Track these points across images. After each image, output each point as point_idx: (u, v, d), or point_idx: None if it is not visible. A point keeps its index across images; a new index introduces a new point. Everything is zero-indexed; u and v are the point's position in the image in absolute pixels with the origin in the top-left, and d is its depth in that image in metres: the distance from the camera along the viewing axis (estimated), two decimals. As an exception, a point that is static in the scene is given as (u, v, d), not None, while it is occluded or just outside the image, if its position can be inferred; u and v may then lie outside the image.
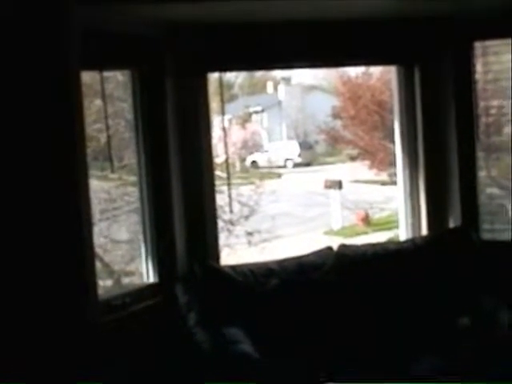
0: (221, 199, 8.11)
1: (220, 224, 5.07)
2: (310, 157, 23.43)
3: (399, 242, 4.95)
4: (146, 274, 4.31)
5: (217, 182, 4.63)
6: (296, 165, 22.72)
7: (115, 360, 3.65)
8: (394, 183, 5.68)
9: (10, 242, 3.33)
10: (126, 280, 4.43)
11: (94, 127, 4.18)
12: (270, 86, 28.96)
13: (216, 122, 9.08)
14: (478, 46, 4.69)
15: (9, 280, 3.30)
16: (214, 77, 4.79)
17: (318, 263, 4.37)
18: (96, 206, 4.02)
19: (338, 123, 16.73)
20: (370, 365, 3.90)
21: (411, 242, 4.72)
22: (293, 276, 4.26)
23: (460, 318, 4.15)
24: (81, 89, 3.57)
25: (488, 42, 4.68)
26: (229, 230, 11.03)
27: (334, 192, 14.84)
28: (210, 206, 4.53)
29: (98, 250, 4.00)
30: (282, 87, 27.24)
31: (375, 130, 14.66)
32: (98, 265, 3.99)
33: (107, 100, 4.14)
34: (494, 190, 4.91)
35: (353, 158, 17.68)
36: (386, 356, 3.99)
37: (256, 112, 25.73)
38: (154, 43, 4.18)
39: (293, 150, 23.31)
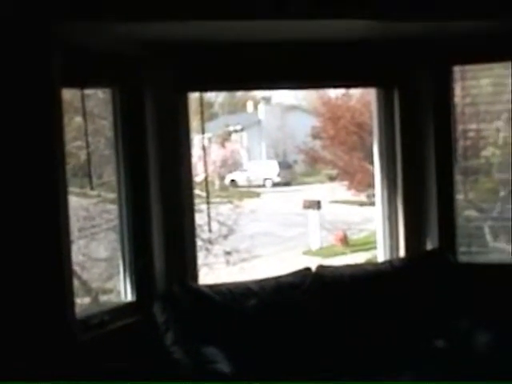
0: (200, 218, 8.09)
1: (198, 243, 5.06)
2: (289, 176, 23.48)
3: (377, 264, 4.97)
4: (124, 292, 4.29)
5: (196, 201, 4.63)
6: (275, 184, 22.74)
7: (93, 378, 3.62)
8: (373, 204, 5.71)
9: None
10: (103, 298, 4.42)
11: (73, 144, 4.18)
12: (250, 105, 29.03)
13: (196, 141, 9.09)
14: (457, 70, 4.74)
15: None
16: (194, 95, 4.79)
17: (296, 284, 4.37)
18: (75, 224, 4.01)
19: (318, 143, 16.80)
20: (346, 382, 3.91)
21: (389, 263, 4.74)
22: (271, 296, 4.25)
23: (435, 340, 4.17)
24: (61, 106, 3.58)
25: (467, 67, 4.74)
26: (207, 249, 11.01)
27: (312, 212, 14.86)
28: (189, 224, 4.52)
29: (76, 268, 3.99)
30: (262, 107, 27.31)
31: (354, 151, 14.72)
32: (76, 282, 3.98)
33: (87, 117, 4.14)
34: (472, 213, 4.95)
35: (332, 179, 17.76)
36: (362, 375, 4.00)
37: (236, 131, 25.74)
38: (135, 62, 4.19)
39: (272, 170, 23.34)
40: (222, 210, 12.74)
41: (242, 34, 4.17)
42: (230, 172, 21.52)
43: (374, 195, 5.32)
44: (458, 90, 4.78)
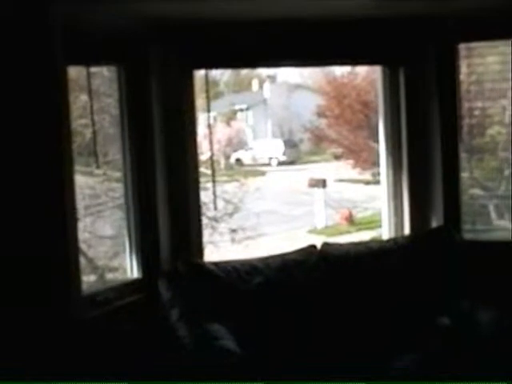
0: (205, 196, 8.10)
1: (204, 221, 5.07)
2: (294, 155, 23.43)
3: (382, 241, 4.98)
4: (130, 269, 4.32)
5: (201, 179, 4.64)
6: (280, 163, 22.69)
7: (98, 355, 3.66)
8: (378, 183, 5.71)
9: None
10: (109, 275, 4.44)
11: (79, 122, 4.18)
12: (255, 83, 28.93)
13: (201, 119, 9.08)
14: (463, 47, 4.73)
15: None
16: (199, 74, 4.78)
17: (301, 261, 4.38)
18: (80, 202, 4.02)
19: (323, 122, 16.76)
20: (351, 361, 3.94)
21: (393, 241, 4.75)
22: (276, 273, 4.27)
23: (439, 318, 4.18)
24: (67, 84, 3.58)
25: (472, 44, 4.72)
26: (213, 227, 11.04)
27: (317, 191, 14.87)
28: (195, 202, 4.54)
29: (82, 246, 4.01)
30: (267, 85, 27.21)
31: (359, 130, 14.71)
32: (82, 260, 4.00)
33: (93, 95, 4.14)
34: (477, 191, 4.95)
35: (337, 157, 17.73)
36: (366, 353, 4.02)
37: (241, 110, 25.71)
38: (140, 39, 4.19)
39: (277, 148, 23.31)
40: (228, 188, 12.75)
41: (248, 12, 4.17)
42: (236, 151, 21.52)
43: (379, 173, 5.32)
44: (463, 68, 4.76)
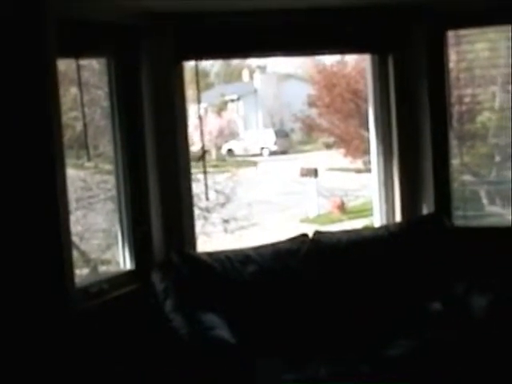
0: (197, 187, 8.10)
1: (196, 212, 5.07)
2: (285, 145, 23.45)
3: (373, 229, 5.00)
4: (123, 261, 4.32)
5: (192, 170, 4.65)
6: (272, 153, 22.71)
7: (92, 347, 3.66)
8: (369, 171, 5.71)
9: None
10: (102, 268, 4.44)
11: (69, 115, 4.17)
12: (245, 74, 28.94)
13: (192, 110, 9.06)
14: (452, 34, 4.74)
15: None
16: (189, 65, 4.78)
17: (294, 250, 4.40)
18: (72, 195, 4.02)
19: (314, 111, 16.75)
20: (344, 348, 3.96)
21: (385, 228, 4.77)
22: (269, 262, 4.29)
23: (432, 303, 4.20)
24: (57, 77, 3.57)
25: (461, 31, 4.73)
26: (205, 218, 11.04)
27: (309, 180, 14.88)
28: (187, 193, 4.54)
29: (75, 239, 4.01)
30: (257, 75, 27.23)
31: (350, 118, 14.70)
32: (75, 253, 3.99)
33: (83, 88, 4.13)
34: (467, 178, 4.97)
35: (328, 146, 17.74)
36: (360, 340, 4.04)
37: (232, 100, 25.72)
38: (130, 31, 4.18)
39: (269, 138, 23.31)
40: (219, 178, 12.75)
41: (237, 2, 4.16)
42: (227, 141, 21.52)
43: (370, 162, 5.33)
44: (453, 56, 4.77)
